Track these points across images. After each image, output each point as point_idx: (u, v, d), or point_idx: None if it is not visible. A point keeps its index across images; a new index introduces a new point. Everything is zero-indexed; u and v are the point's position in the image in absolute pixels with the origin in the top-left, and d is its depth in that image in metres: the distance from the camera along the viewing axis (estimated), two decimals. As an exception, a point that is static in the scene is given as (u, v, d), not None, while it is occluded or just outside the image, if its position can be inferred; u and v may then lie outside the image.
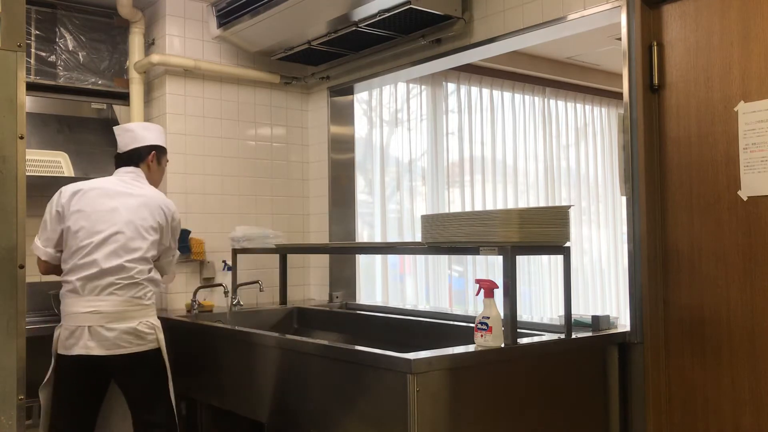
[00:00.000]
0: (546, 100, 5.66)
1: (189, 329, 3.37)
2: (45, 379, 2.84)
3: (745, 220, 2.42)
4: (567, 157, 5.82)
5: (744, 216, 2.42)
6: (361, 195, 4.54)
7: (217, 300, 3.81)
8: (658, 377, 2.64)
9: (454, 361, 2.26)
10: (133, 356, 2.74)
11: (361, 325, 3.60)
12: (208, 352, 3.19)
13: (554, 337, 2.61)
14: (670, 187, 2.64)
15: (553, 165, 5.68)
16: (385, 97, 4.87)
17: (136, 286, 2.78)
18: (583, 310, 5.26)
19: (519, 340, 2.42)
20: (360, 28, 3.47)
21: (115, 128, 3.19)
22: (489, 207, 5.21)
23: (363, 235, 4.66)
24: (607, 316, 2.75)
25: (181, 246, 3.52)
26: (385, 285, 4.76)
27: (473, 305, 4.79)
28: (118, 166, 3.08)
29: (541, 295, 5.45)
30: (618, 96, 5.48)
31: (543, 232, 2.47)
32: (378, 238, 4.75)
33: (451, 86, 5.15)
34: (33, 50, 3.76)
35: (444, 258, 5.02)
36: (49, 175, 3.56)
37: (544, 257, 5.22)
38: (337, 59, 4.07)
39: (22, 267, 1.85)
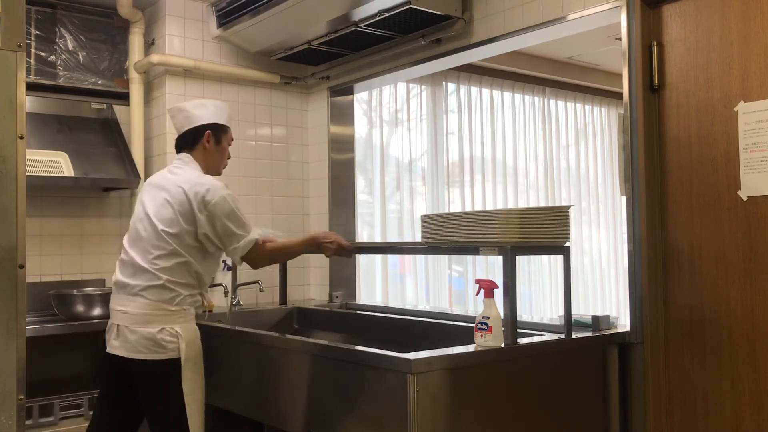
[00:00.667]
0: (546, 100, 5.65)
1: (189, 329, 3.37)
2: None
3: (745, 220, 2.42)
4: (567, 157, 5.81)
5: (744, 216, 2.42)
6: (361, 195, 4.54)
7: (217, 300, 3.81)
8: (658, 377, 2.64)
9: (454, 361, 2.26)
10: (148, 363, 2.59)
11: (361, 325, 3.60)
12: (208, 352, 3.18)
13: (554, 337, 2.61)
14: (670, 187, 2.64)
15: (553, 165, 5.67)
16: (385, 97, 4.87)
17: (162, 289, 2.61)
18: (583, 310, 5.25)
19: (519, 340, 2.42)
20: (360, 28, 3.47)
21: (168, 109, 2.98)
22: (489, 207, 5.21)
23: (363, 235, 4.66)
24: (607, 316, 2.75)
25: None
26: (385, 285, 4.76)
27: (473, 305, 4.79)
28: (177, 151, 2.87)
29: (541, 295, 5.45)
30: (618, 96, 5.46)
31: (543, 232, 2.47)
32: (378, 238, 4.75)
33: (451, 86, 5.14)
34: (33, 50, 3.76)
35: (444, 258, 5.02)
36: (49, 175, 3.56)
37: (544, 257, 5.22)
38: (337, 59, 4.07)
39: (22, 267, 1.84)
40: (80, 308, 3.48)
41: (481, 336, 2.35)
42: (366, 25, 3.45)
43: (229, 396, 3.04)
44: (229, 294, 3.75)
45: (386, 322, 3.44)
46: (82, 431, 3.40)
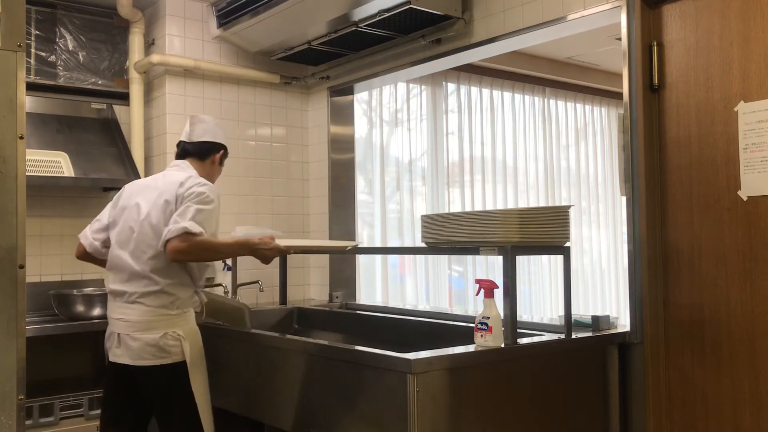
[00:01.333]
0: (546, 100, 5.65)
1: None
2: None
3: (745, 220, 2.42)
4: (567, 157, 5.81)
5: (744, 216, 2.42)
6: (361, 195, 4.54)
7: (217, 300, 3.81)
8: (658, 377, 2.64)
9: (454, 361, 2.26)
10: (154, 369, 2.59)
11: (361, 325, 3.60)
12: (208, 353, 3.18)
13: (554, 337, 2.62)
14: (670, 187, 2.64)
15: (553, 165, 5.67)
16: (385, 97, 4.87)
17: (161, 295, 2.60)
18: (583, 310, 5.26)
19: (519, 340, 2.43)
20: (360, 28, 3.47)
21: (191, 116, 2.98)
22: (489, 207, 5.21)
23: (363, 235, 4.66)
24: (607, 316, 2.75)
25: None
26: (385, 285, 4.76)
27: (473, 305, 4.79)
28: (178, 156, 2.89)
29: (541, 295, 5.45)
30: (618, 96, 5.47)
31: (543, 232, 2.47)
32: (378, 238, 4.75)
33: (451, 86, 5.14)
34: (33, 50, 3.76)
35: (444, 258, 5.02)
36: (49, 175, 3.56)
37: (544, 257, 5.22)
38: (337, 59, 4.07)
39: (22, 267, 1.84)
40: (80, 308, 3.48)
41: (481, 336, 2.35)
42: (366, 25, 3.45)
43: (229, 396, 3.04)
44: (229, 294, 3.75)
45: (386, 322, 3.44)
46: (83, 431, 3.41)
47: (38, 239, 3.83)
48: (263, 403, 2.83)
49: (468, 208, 5.09)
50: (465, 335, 2.71)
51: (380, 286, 4.76)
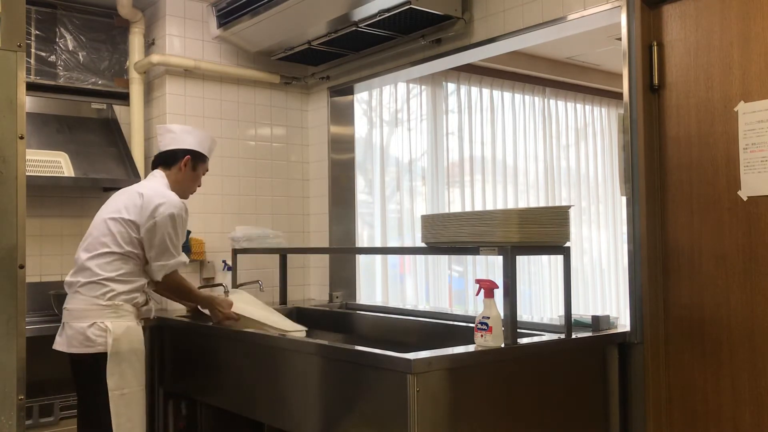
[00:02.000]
0: (546, 100, 5.65)
1: (189, 329, 3.37)
2: None
3: (745, 220, 2.42)
4: (567, 157, 5.81)
5: (744, 216, 2.42)
6: (361, 195, 4.54)
7: (217, 300, 3.80)
8: (658, 377, 2.64)
9: (454, 361, 2.26)
10: (78, 357, 2.74)
11: (361, 325, 3.60)
12: (209, 353, 3.19)
13: (554, 337, 2.61)
14: (670, 187, 2.64)
15: (553, 165, 5.67)
16: (385, 97, 4.87)
17: (96, 285, 2.74)
18: (583, 310, 5.26)
19: (519, 340, 2.42)
20: (360, 28, 3.47)
21: (157, 127, 3.13)
22: (489, 207, 5.21)
23: (363, 235, 4.66)
24: (607, 316, 2.75)
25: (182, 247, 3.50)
26: (385, 285, 4.76)
27: (473, 305, 4.79)
28: (152, 166, 3.06)
29: (541, 295, 5.45)
30: (618, 96, 5.48)
31: (543, 232, 2.47)
32: (378, 238, 4.75)
33: (451, 86, 5.15)
34: (33, 50, 3.76)
35: (444, 258, 5.02)
36: (49, 175, 3.56)
37: (544, 257, 5.22)
38: (337, 59, 4.07)
39: (22, 267, 1.84)
40: (80, 308, 3.47)
41: (481, 336, 2.35)
42: (366, 25, 3.45)
43: (229, 396, 3.04)
44: (229, 294, 3.74)
45: (386, 322, 3.44)
46: (82, 431, 3.41)
47: (38, 239, 3.83)
48: (263, 403, 2.83)
49: (468, 208, 5.09)
50: (465, 335, 2.71)
51: (380, 286, 4.76)
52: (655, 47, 2.67)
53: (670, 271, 2.64)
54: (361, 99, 4.65)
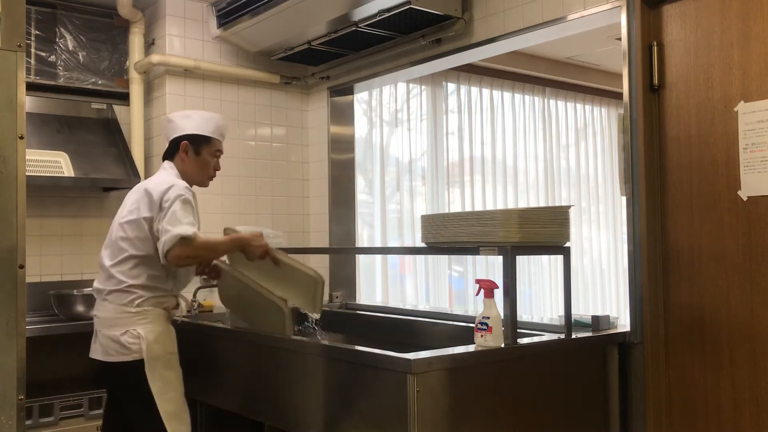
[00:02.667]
0: (546, 100, 5.65)
1: (189, 330, 3.37)
2: None
3: (745, 220, 2.42)
4: (567, 157, 5.81)
5: (744, 216, 2.42)
6: (361, 195, 4.54)
7: (217, 300, 3.80)
8: (658, 377, 2.64)
9: (454, 361, 2.26)
10: (117, 366, 2.65)
11: (361, 325, 3.60)
12: (209, 353, 3.19)
13: (554, 337, 2.61)
14: (670, 187, 2.64)
15: (553, 165, 5.67)
16: (385, 97, 4.87)
17: (123, 293, 2.66)
18: (583, 310, 5.25)
19: (519, 340, 2.42)
20: (360, 28, 3.47)
21: (162, 119, 2.98)
22: (489, 207, 5.20)
23: (363, 235, 4.66)
24: (607, 316, 2.75)
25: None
26: (385, 285, 4.76)
27: (473, 305, 4.79)
28: (163, 159, 2.91)
29: (541, 295, 5.45)
30: (618, 96, 5.46)
31: (543, 232, 2.47)
32: (378, 238, 4.75)
33: (451, 86, 5.14)
34: (33, 50, 3.76)
35: (444, 258, 5.02)
36: (49, 175, 3.56)
37: (544, 257, 5.21)
38: (337, 59, 4.07)
39: (22, 267, 1.85)
40: (80, 308, 3.48)
41: (481, 336, 2.35)
42: (366, 25, 3.45)
43: (229, 396, 3.04)
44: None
45: (386, 322, 3.44)
46: (82, 431, 3.41)
47: (38, 239, 3.83)
48: (263, 403, 2.83)
49: (468, 208, 5.09)
50: (465, 335, 2.71)
51: (380, 286, 4.76)
52: (655, 47, 2.67)
53: (670, 271, 2.64)
54: (361, 99, 4.64)
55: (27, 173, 1.88)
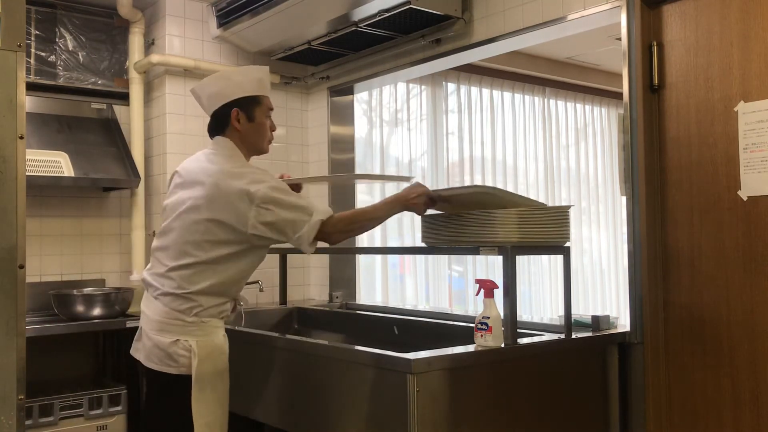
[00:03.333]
0: (546, 100, 5.65)
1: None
2: None
3: (745, 220, 2.42)
4: (567, 157, 5.81)
5: (744, 216, 2.42)
6: (361, 195, 4.54)
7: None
8: (658, 377, 2.64)
9: (454, 361, 2.26)
10: (160, 375, 2.36)
11: (361, 325, 3.60)
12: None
13: (554, 337, 2.61)
14: (670, 187, 2.64)
15: (553, 165, 5.67)
16: (385, 97, 4.87)
17: (181, 299, 2.34)
18: (583, 310, 5.26)
19: (519, 340, 2.43)
20: (360, 28, 3.47)
21: (191, 90, 2.57)
22: (489, 207, 5.20)
23: (363, 235, 4.65)
24: (607, 316, 2.75)
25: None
26: (385, 285, 4.76)
27: (473, 305, 4.79)
28: (210, 135, 2.52)
29: (541, 295, 5.45)
30: (618, 96, 5.45)
31: (543, 232, 2.47)
32: (378, 238, 4.75)
33: (451, 86, 5.15)
34: (33, 50, 3.76)
35: (444, 258, 5.02)
36: (49, 175, 3.56)
37: (544, 257, 5.22)
38: (337, 59, 4.07)
39: (22, 267, 1.85)
40: (80, 308, 3.48)
41: (481, 336, 2.35)
42: (366, 25, 3.45)
43: (229, 396, 3.03)
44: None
45: (386, 322, 3.44)
46: (82, 431, 3.41)
47: (38, 239, 3.83)
48: (263, 403, 2.83)
49: (468, 208, 5.09)
50: (465, 335, 2.71)
51: (380, 286, 4.76)
52: (655, 47, 2.67)
53: (670, 271, 2.64)
54: (361, 99, 4.65)
55: (27, 173, 1.88)
